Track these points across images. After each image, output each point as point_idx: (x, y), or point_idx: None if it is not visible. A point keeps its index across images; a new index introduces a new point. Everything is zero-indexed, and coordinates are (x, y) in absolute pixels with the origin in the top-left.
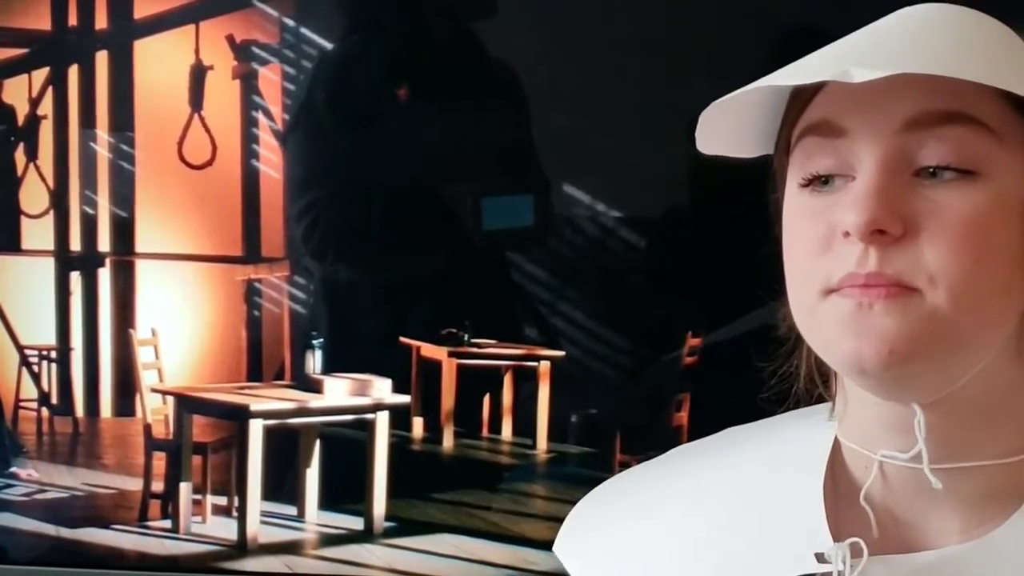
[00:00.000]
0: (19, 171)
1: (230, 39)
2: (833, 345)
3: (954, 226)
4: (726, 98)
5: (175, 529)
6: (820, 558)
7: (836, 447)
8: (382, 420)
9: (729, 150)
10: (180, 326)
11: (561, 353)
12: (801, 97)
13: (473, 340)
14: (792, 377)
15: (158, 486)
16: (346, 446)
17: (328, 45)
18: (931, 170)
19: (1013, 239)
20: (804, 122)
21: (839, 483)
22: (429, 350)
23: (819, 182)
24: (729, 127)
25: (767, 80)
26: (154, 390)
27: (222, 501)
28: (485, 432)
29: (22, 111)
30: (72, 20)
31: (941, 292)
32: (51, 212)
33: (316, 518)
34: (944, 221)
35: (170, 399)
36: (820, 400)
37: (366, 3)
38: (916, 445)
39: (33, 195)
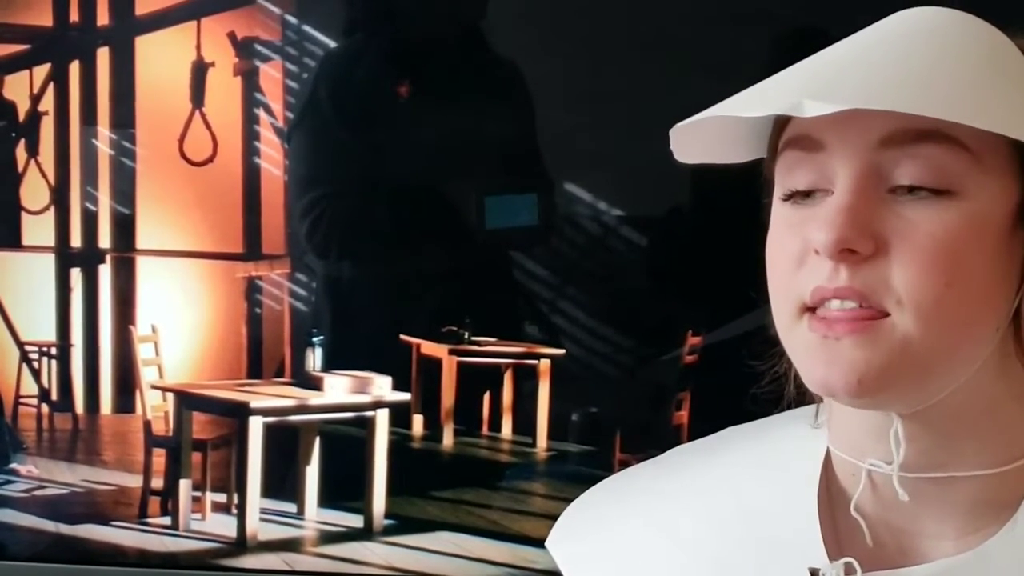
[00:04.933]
0: (20, 167)
1: (231, 36)
2: (805, 371)
3: (925, 247)
4: (685, 123)
5: (175, 526)
6: (815, 574)
7: (829, 454)
8: (382, 418)
9: (714, 158)
10: (180, 323)
11: (561, 351)
12: None
13: (473, 338)
14: (783, 378)
15: (158, 483)
16: (346, 444)
17: (330, 42)
18: (907, 187)
19: (987, 259)
20: (788, 134)
21: (833, 490)
22: (429, 348)
23: (800, 195)
24: (711, 136)
25: (722, 109)
26: (154, 387)
27: (222, 498)
28: (485, 430)
29: (23, 107)
30: (74, 16)
31: (910, 315)
32: (52, 208)
33: (316, 515)
34: (916, 242)
35: (170, 396)
36: (812, 400)
37: (369, 0)
38: (899, 454)
39: (34, 191)
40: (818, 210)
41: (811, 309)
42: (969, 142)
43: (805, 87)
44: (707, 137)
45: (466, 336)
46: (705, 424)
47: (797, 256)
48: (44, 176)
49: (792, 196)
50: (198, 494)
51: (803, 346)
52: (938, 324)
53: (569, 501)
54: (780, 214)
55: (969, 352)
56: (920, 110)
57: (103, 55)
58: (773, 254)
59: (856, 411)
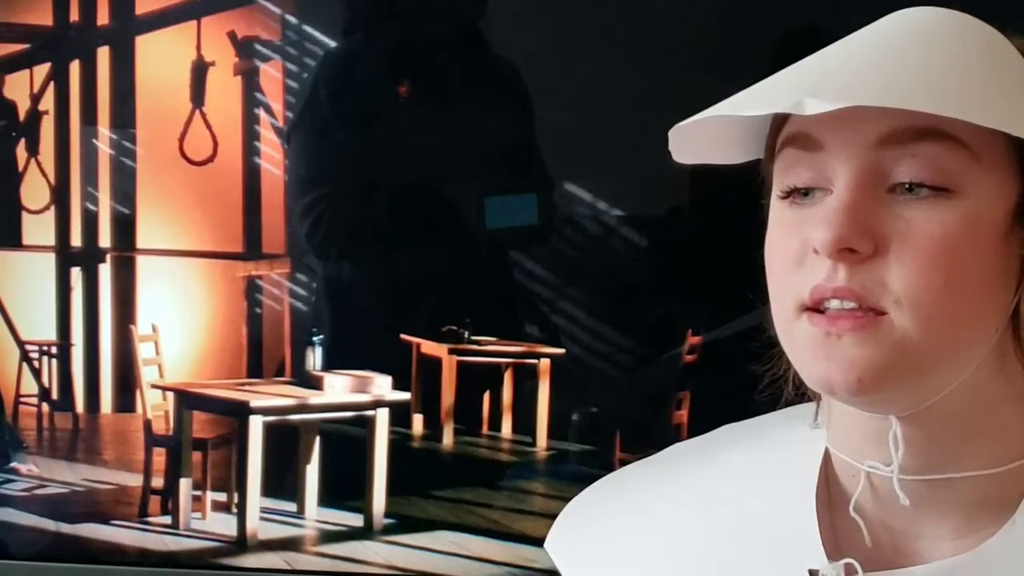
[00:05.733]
0: (20, 166)
1: (232, 35)
2: (804, 367)
3: (924, 246)
4: (685, 123)
5: (175, 525)
6: (813, 575)
7: (828, 454)
8: (382, 417)
9: (712, 158)
10: (180, 322)
11: (561, 351)
12: None
13: (473, 337)
14: (782, 379)
15: (158, 482)
16: (346, 443)
17: (330, 42)
18: (907, 186)
19: (986, 258)
20: (785, 132)
21: (832, 491)
22: (429, 347)
23: (798, 194)
24: (710, 137)
25: (722, 108)
26: (154, 386)
27: (222, 497)
28: (485, 429)
29: (23, 107)
30: (74, 16)
31: (908, 314)
32: (52, 208)
33: (316, 515)
34: (914, 241)
35: (170, 395)
36: (811, 400)
37: (369, 0)
38: (898, 457)
39: (34, 190)
40: (817, 209)
41: (810, 308)
42: (968, 140)
43: (806, 86)
44: (706, 138)
45: (466, 336)
46: (704, 424)
47: (796, 255)
48: (44, 175)
49: (790, 195)
50: (198, 493)
51: (803, 343)
52: (937, 323)
53: (569, 501)
54: (778, 214)
55: (968, 352)
56: (922, 107)
57: (103, 55)
58: (772, 254)
59: (855, 414)
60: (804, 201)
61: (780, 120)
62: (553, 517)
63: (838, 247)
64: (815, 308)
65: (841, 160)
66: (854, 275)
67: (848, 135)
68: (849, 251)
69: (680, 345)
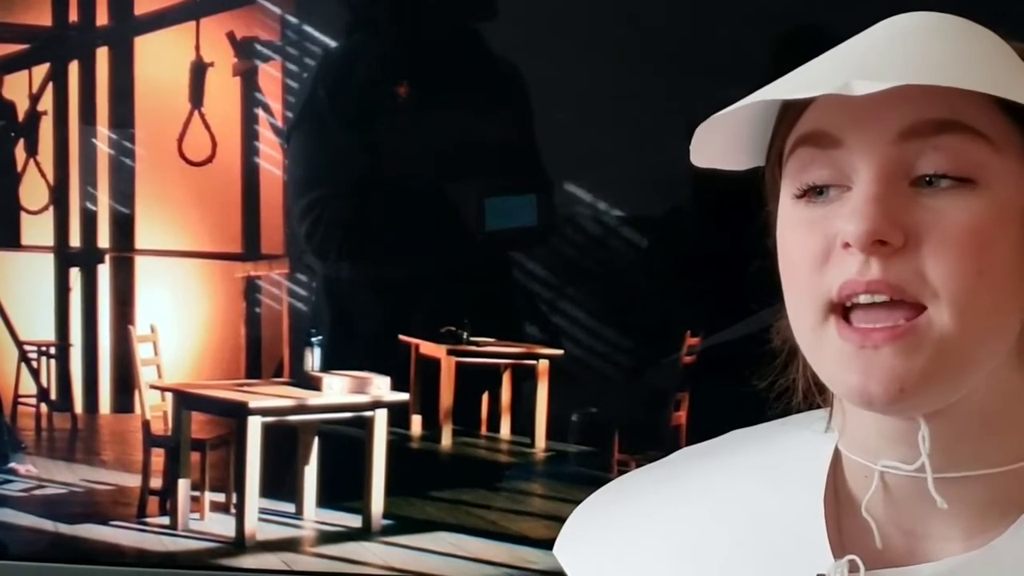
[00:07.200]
0: (19, 167)
1: (231, 36)
2: (837, 378)
3: (955, 236)
4: (725, 112)
5: (173, 526)
6: None
7: (837, 457)
8: (381, 418)
9: (721, 163)
10: (179, 323)
11: (560, 352)
12: (792, 108)
13: (472, 338)
14: (789, 391)
15: (156, 482)
16: (344, 444)
17: (330, 42)
18: (928, 179)
19: (1012, 247)
20: (797, 133)
21: (841, 493)
22: (428, 348)
23: (814, 193)
24: (722, 140)
25: (766, 93)
26: (153, 386)
27: (220, 498)
28: (484, 430)
29: (22, 107)
30: (73, 16)
31: (946, 307)
32: (51, 208)
33: (314, 515)
34: (945, 231)
35: (169, 395)
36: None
37: (369, 1)
38: (918, 456)
39: (33, 191)
40: (839, 206)
41: (838, 309)
42: (987, 131)
43: (845, 70)
44: (723, 138)
45: (465, 336)
46: (703, 425)
47: (821, 253)
48: (43, 176)
49: (806, 193)
50: (197, 494)
51: (834, 353)
52: (972, 314)
53: (568, 501)
54: (794, 214)
55: (997, 342)
56: (973, 86)
57: (102, 55)
58: (792, 255)
59: (871, 416)
60: (820, 199)
61: (786, 124)
62: (552, 518)
63: (872, 239)
64: (843, 308)
65: (862, 155)
66: (888, 268)
67: (868, 131)
68: (881, 243)
69: (679, 346)
